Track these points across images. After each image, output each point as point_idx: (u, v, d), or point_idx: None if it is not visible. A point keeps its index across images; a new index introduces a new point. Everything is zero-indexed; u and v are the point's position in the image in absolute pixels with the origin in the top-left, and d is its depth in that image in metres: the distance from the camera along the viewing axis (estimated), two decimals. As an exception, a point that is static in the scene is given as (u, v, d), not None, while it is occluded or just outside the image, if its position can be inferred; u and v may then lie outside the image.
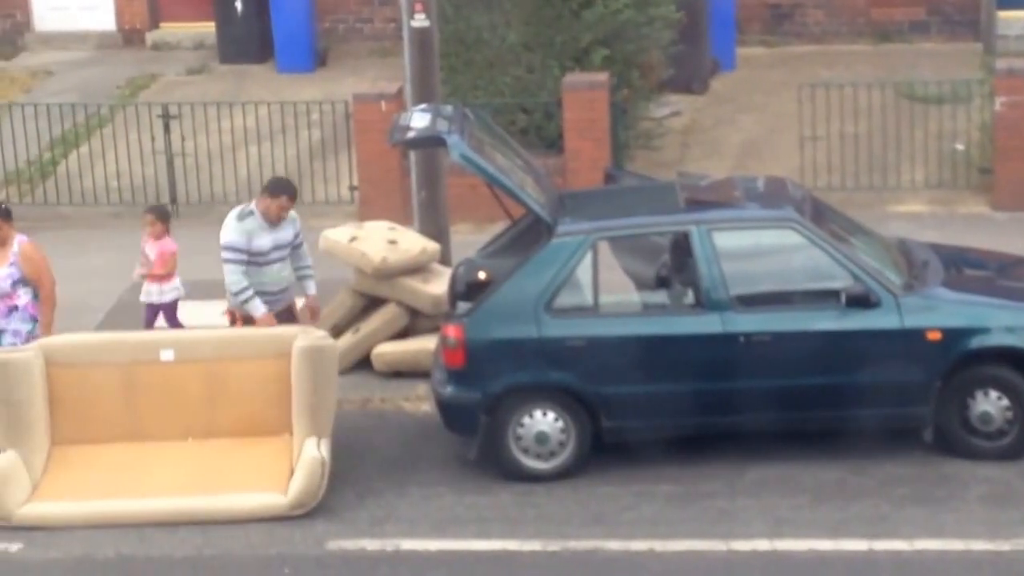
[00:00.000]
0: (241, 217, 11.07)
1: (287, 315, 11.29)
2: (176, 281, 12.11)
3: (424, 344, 11.80)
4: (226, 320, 11.41)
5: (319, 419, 10.43)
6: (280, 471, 10.32)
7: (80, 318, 12.40)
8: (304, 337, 10.53)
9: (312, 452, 10.24)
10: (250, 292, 10.99)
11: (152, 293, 12.09)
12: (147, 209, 12.37)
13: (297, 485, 10.15)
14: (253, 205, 11.16)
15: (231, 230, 11.03)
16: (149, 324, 12.08)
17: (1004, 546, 9.46)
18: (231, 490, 10.23)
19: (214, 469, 10.43)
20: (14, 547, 9.98)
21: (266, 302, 11.08)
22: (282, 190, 11.16)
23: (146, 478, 10.41)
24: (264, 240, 11.07)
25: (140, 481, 10.38)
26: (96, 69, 19.74)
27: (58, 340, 10.84)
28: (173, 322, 12.11)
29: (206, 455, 10.59)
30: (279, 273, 11.22)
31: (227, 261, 11.01)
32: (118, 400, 10.69)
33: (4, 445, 10.44)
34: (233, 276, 11.01)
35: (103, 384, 10.67)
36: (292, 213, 11.28)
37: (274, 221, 11.10)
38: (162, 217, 12.18)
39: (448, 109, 11.25)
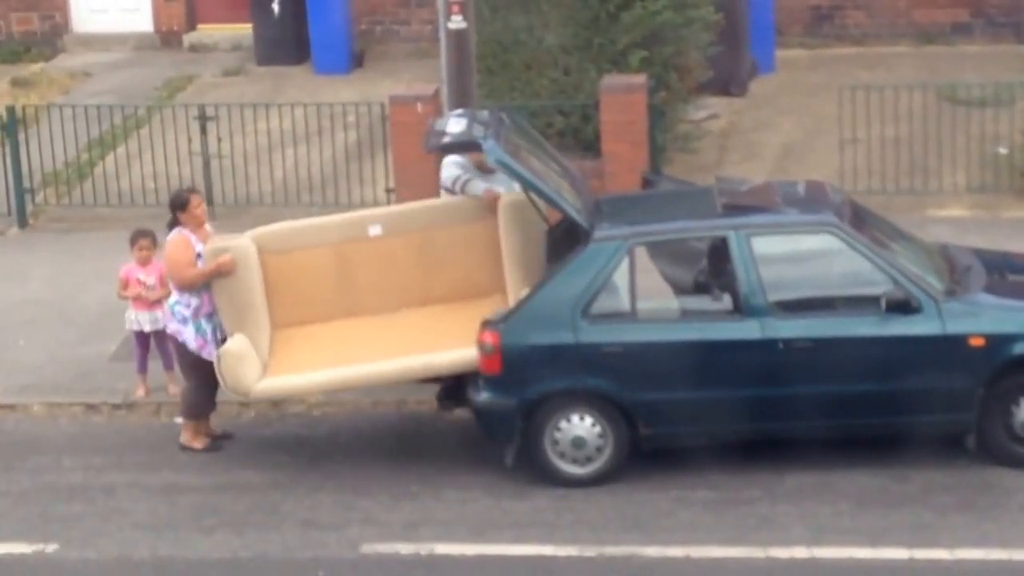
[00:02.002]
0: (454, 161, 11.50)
1: None
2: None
3: (460, 348, 11.77)
4: None
5: (532, 272, 10.64)
6: None
7: (117, 319, 12.40)
8: (508, 195, 10.86)
9: None
10: (466, 176, 11.33)
11: (158, 320, 11.71)
12: (141, 234, 11.87)
13: None
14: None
15: (448, 162, 11.53)
16: (168, 353, 11.73)
17: (1047, 556, 9.37)
18: (453, 348, 10.39)
19: (432, 333, 10.64)
20: (50, 548, 10.00)
21: None
22: None
23: (369, 347, 10.65)
24: (477, 185, 11.35)
25: (364, 350, 10.61)
26: (133, 71, 19.79)
27: (269, 229, 11.29)
28: (167, 349, 11.73)
29: (423, 322, 10.85)
30: None
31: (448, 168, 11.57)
32: (331, 280, 11.07)
33: (231, 330, 10.79)
34: (451, 171, 11.51)
35: (315, 266, 11.05)
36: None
37: (484, 169, 11.32)
38: (156, 241, 11.90)
39: (484, 114, 11.21)
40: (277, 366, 10.73)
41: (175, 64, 19.90)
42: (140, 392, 11.95)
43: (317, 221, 11.42)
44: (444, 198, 11.56)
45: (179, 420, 11.33)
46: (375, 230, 11.08)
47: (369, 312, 11.04)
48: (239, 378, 10.56)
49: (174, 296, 11.11)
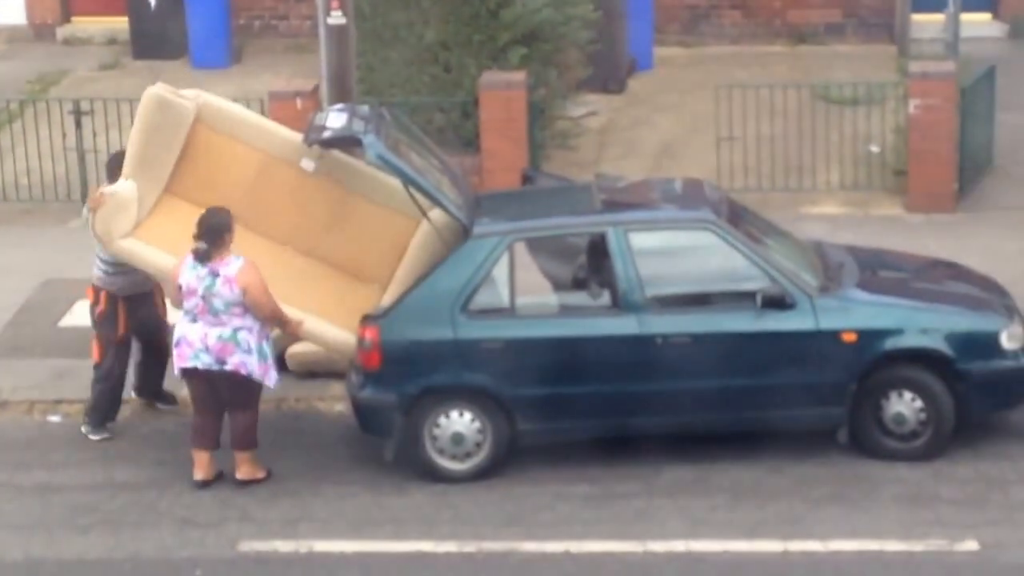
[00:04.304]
0: None
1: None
2: None
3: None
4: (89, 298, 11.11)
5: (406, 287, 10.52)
6: (359, 316, 10.38)
7: (-12, 317, 12.21)
8: (440, 215, 10.63)
9: None
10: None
11: None
12: None
13: None
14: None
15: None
16: None
17: (917, 546, 9.54)
18: (311, 312, 10.30)
19: (302, 287, 10.51)
20: (-82, 550, 9.82)
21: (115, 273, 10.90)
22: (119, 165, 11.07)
23: None
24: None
25: None
26: (5, 64, 19.44)
27: (219, 105, 10.98)
28: None
29: (297, 272, 10.68)
30: None
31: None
32: (242, 182, 10.80)
33: (128, 174, 10.56)
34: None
35: (237, 161, 10.80)
36: None
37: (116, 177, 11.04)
38: None
39: (364, 109, 11.18)
40: (146, 232, 10.48)
41: (49, 57, 19.58)
42: None
43: (266, 124, 11.22)
44: (387, 176, 11.14)
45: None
46: (308, 165, 10.85)
47: (258, 231, 10.78)
48: (109, 224, 10.34)
49: (237, 322, 10.08)
